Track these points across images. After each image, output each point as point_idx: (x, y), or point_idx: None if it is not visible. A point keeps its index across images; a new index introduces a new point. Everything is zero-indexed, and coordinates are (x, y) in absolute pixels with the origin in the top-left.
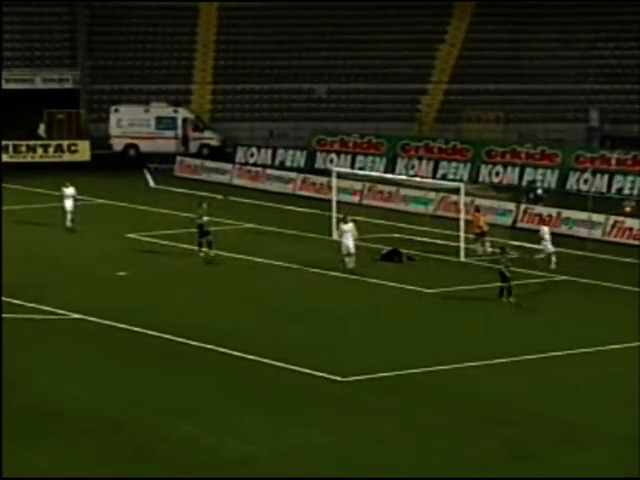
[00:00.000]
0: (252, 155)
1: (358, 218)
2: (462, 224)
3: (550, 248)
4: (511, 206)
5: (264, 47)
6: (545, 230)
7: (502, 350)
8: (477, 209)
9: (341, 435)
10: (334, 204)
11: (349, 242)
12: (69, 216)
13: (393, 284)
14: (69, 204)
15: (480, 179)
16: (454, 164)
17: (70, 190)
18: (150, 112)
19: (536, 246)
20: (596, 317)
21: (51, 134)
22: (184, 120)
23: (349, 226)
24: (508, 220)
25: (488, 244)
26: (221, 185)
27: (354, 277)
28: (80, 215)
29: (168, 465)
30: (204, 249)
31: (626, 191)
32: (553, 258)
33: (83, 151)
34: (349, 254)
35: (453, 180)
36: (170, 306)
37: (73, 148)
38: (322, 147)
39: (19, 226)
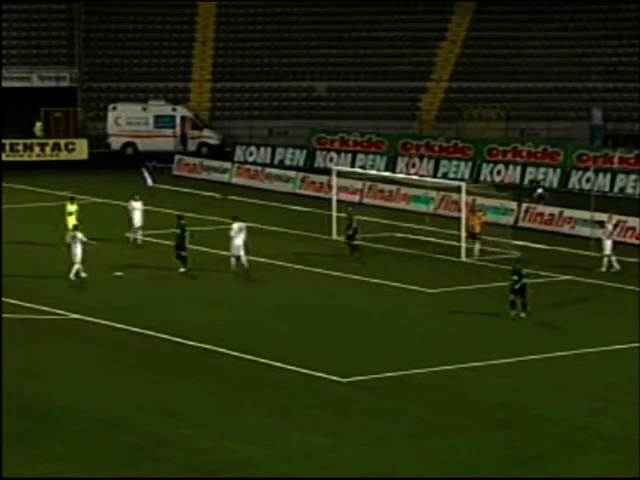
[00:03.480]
0: (251, 154)
1: (358, 217)
2: (463, 223)
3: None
4: (512, 205)
5: (263, 45)
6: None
7: (503, 351)
8: (472, 209)
9: (341, 436)
10: (334, 203)
11: (239, 241)
12: (139, 232)
13: (393, 284)
14: (137, 218)
15: (481, 178)
16: (455, 163)
17: (139, 204)
18: (148, 110)
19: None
20: (597, 317)
21: (48, 132)
22: (182, 118)
23: (239, 225)
24: (510, 219)
25: (478, 246)
26: (220, 184)
27: (354, 277)
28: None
29: (167, 467)
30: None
31: (629, 190)
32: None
33: (80, 150)
34: (236, 255)
35: (454, 179)
36: (169, 306)
37: (70, 147)
38: (322, 146)
39: (18, 225)
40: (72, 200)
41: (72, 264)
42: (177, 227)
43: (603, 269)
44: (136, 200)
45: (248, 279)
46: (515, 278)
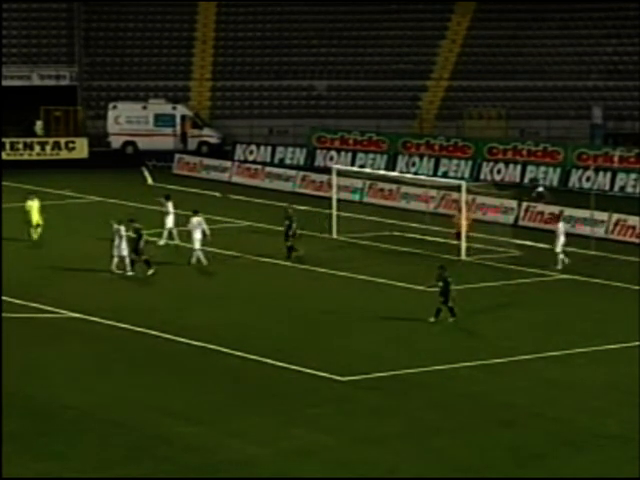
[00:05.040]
0: (251, 152)
1: (358, 216)
2: (464, 222)
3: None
4: (513, 204)
5: (263, 43)
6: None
7: (503, 349)
8: (459, 209)
9: (341, 435)
10: (334, 202)
11: (197, 235)
12: (200, 253)
13: (393, 283)
14: (198, 236)
15: (481, 177)
16: (455, 162)
17: (197, 219)
18: (148, 109)
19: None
20: (598, 316)
21: (48, 131)
22: (183, 117)
23: (197, 219)
24: (510, 218)
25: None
26: (220, 183)
27: (354, 276)
28: (79, 214)
29: (167, 466)
30: (148, 271)
31: (629, 189)
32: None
33: (81, 148)
34: (118, 256)
35: (454, 178)
36: (170, 306)
37: (71, 145)
38: (322, 144)
39: (17, 225)
40: (31, 196)
41: (119, 257)
42: (133, 231)
43: (559, 266)
44: (196, 216)
45: (204, 272)
46: (440, 284)
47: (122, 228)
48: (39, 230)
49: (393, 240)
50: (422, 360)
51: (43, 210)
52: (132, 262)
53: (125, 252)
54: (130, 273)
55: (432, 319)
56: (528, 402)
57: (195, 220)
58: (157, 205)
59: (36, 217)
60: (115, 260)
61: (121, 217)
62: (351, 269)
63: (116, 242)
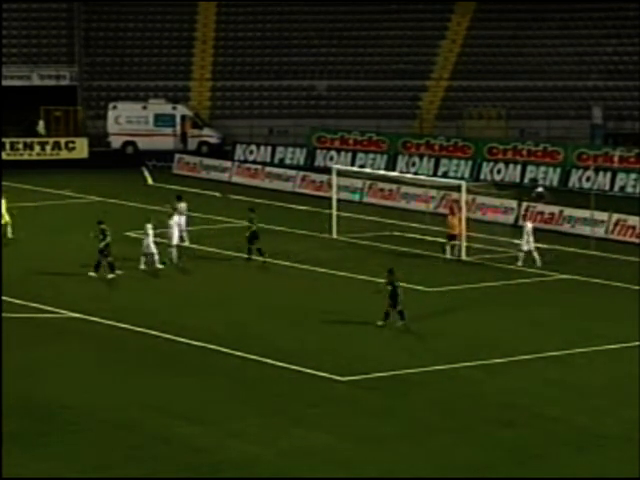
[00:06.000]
0: (251, 152)
1: (358, 216)
2: (464, 222)
3: (525, 246)
4: (513, 204)
5: (263, 43)
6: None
7: (503, 349)
8: (452, 210)
9: (341, 435)
10: (334, 202)
11: (149, 240)
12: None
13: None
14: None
15: (481, 177)
16: (455, 162)
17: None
18: (148, 109)
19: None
20: (598, 316)
21: (49, 131)
22: (183, 117)
23: (149, 226)
24: (510, 218)
25: (457, 248)
26: (220, 183)
27: (354, 276)
28: (79, 213)
29: (168, 466)
30: (108, 275)
31: (629, 189)
32: (536, 255)
33: (81, 148)
34: (146, 254)
35: (454, 178)
36: (170, 306)
37: (71, 145)
38: (322, 144)
39: (17, 224)
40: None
41: (150, 254)
42: (100, 233)
43: (519, 263)
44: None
45: (205, 272)
46: (389, 288)
47: (149, 226)
48: (9, 228)
49: (393, 240)
50: (422, 360)
51: (44, 210)
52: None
53: (154, 249)
54: (160, 266)
55: (380, 322)
56: (528, 402)
57: (149, 226)
58: (167, 207)
59: (5, 217)
60: (143, 259)
61: (149, 215)
62: (351, 269)
63: (145, 241)
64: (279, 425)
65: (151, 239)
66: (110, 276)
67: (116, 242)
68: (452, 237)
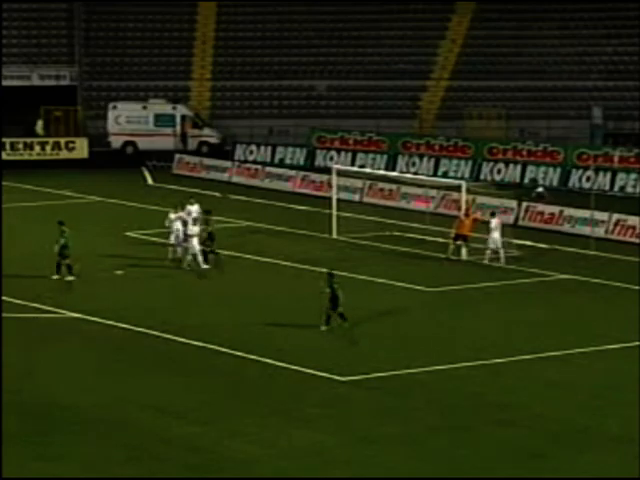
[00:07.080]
0: (251, 152)
1: (358, 216)
2: (470, 222)
3: (492, 243)
4: (513, 204)
5: (264, 43)
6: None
7: (503, 349)
8: (466, 213)
9: (341, 435)
10: (334, 202)
11: (194, 242)
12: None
13: (393, 283)
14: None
15: (481, 177)
16: (455, 162)
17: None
18: (148, 109)
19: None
20: (597, 316)
21: (48, 131)
22: (183, 117)
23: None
24: (510, 218)
25: (465, 250)
26: (220, 183)
27: (354, 276)
28: (79, 213)
29: (167, 466)
30: (67, 277)
31: (629, 189)
32: (501, 253)
33: (81, 148)
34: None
35: (454, 178)
36: (170, 306)
37: (71, 145)
38: (322, 144)
39: (17, 224)
40: None
41: (192, 255)
42: (60, 234)
43: (486, 260)
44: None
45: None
46: (327, 290)
47: (194, 229)
48: None
49: (393, 240)
50: (422, 360)
51: (44, 210)
52: (205, 255)
53: (197, 249)
54: (205, 266)
55: (324, 327)
56: (528, 402)
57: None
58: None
59: None
60: (188, 258)
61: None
62: (351, 269)
63: (172, 239)
64: (279, 425)
65: (196, 241)
66: (69, 278)
67: (116, 242)
68: (460, 237)
